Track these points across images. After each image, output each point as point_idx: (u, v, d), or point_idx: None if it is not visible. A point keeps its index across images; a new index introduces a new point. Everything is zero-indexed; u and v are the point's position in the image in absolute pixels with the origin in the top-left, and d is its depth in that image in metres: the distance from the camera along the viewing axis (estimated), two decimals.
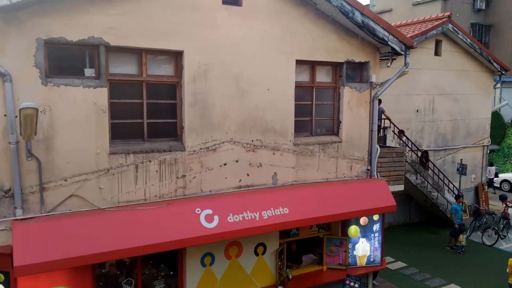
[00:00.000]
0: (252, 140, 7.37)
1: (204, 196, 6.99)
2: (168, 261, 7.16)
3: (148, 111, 6.61)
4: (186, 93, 6.71)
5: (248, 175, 7.42)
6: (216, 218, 6.63)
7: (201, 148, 6.92)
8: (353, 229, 8.81)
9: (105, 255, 5.80)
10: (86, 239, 5.67)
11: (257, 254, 7.82)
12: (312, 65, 8.08)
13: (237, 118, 7.17)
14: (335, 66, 8.35)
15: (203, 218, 6.57)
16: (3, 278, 5.80)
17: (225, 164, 7.16)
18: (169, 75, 6.76)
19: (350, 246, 8.82)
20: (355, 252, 8.89)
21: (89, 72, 6.05)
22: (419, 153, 14.39)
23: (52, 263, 5.40)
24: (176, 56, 6.70)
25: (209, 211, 6.65)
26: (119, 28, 6.02)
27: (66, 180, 5.94)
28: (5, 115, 5.50)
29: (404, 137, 13.71)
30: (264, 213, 7.03)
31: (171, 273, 7.19)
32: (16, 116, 5.47)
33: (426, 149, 14.95)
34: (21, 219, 5.66)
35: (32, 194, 5.76)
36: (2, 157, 5.56)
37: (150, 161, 6.55)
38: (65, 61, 5.98)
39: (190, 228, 6.41)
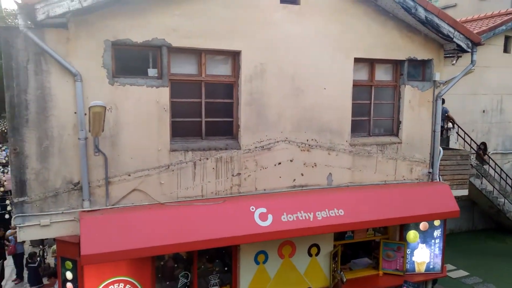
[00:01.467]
0: (307, 140, 7.31)
1: (258, 195, 7.04)
2: (222, 257, 7.31)
3: (206, 110, 6.77)
4: (242, 93, 6.78)
5: (302, 174, 7.37)
6: (270, 216, 6.65)
7: (256, 147, 6.97)
8: (412, 234, 8.45)
9: (164, 248, 6.02)
10: (147, 232, 5.92)
11: (310, 255, 7.74)
12: (371, 63, 7.84)
13: (292, 117, 7.14)
14: (396, 64, 8.05)
15: (257, 216, 6.61)
16: (71, 265, 6.22)
17: (279, 163, 7.16)
18: (226, 75, 6.87)
19: (408, 251, 8.48)
20: (413, 258, 8.52)
21: (152, 72, 6.31)
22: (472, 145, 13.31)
23: (116, 254, 5.69)
24: (234, 56, 6.80)
25: (263, 210, 6.68)
26: (180, 30, 6.21)
27: (129, 175, 6.24)
28: (75, 113, 5.87)
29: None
30: (318, 214, 6.94)
31: (225, 268, 7.33)
32: (85, 114, 5.82)
33: (483, 141, 13.94)
34: (88, 211, 6.02)
35: (98, 188, 6.12)
36: (72, 152, 5.94)
37: (207, 159, 6.70)
38: (130, 61, 6.28)
39: (244, 226, 6.48)
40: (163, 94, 6.31)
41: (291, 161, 7.21)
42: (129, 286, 6.27)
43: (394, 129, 8.23)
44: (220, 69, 6.88)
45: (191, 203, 6.52)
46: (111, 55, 5.96)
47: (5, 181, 14.96)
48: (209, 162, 6.73)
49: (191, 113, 6.78)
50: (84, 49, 5.80)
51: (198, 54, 6.59)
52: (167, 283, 7.00)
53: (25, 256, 11.28)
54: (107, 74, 5.94)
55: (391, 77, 8.15)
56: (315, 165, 7.41)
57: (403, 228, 8.46)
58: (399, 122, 8.15)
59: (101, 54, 5.87)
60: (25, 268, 10.56)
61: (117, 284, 6.18)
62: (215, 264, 7.33)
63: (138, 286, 6.33)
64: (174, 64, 6.50)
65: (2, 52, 5.56)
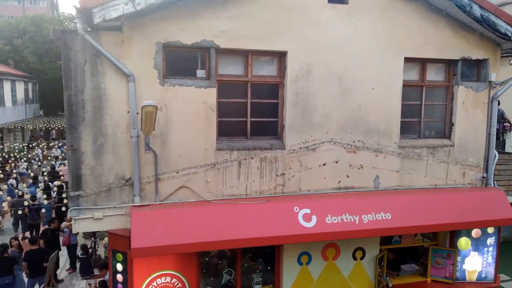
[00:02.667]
0: (354, 141, 7.19)
1: (302, 195, 7.02)
2: (266, 256, 7.35)
3: (251, 110, 6.83)
4: (288, 93, 6.79)
5: (348, 176, 7.26)
6: (314, 218, 6.61)
7: (300, 147, 6.95)
8: (464, 241, 8.08)
9: (209, 245, 6.16)
10: (193, 228, 6.07)
11: (355, 259, 7.61)
12: (422, 63, 7.58)
13: (338, 118, 7.05)
14: (449, 64, 7.73)
15: (301, 217, 6.59)
16: (121, 257, 6.50)
17: (324, 164, 7.09)
18: (272, 75, 6.90)
19: (459, 259, 8.12)
20: (464, 266, 8.15)
21: (200, 73, 6.47)
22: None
23: (163, 248, 5.89)
24: (280, 57, 6.82)
25: (307, 211, 6.65)
26: (228, 31, 6.32)
27: (177, 172, 6.43)
28: (128, 112, 6.13)
29: None
30: (364, 217, 6.81)
31: (268, 268, 7.36)
32: (137, 113, 6.06)
33: None
34: (138, 206, 6.27)
35: (148, 184, 6.35)
36: (125, 149, 6.21)
37: (252, 158, 6.77)
38: (180, 63, 6.47)
39: (288, 226, 6.48)
40: (211, 95, 6.45)
41: (336, 162, 7.12)
42: (175, 280, 6.46)
43: (446, 131, 7.90)
44: (266, 70, 6.92)
45: (235, 201, 6.61)
46: (162, 57, 6.17)
47: (62, 174, 15.90)
48: (253, 162, 6.79)
49: (237, 113, 6.87)
50: (137, 51, 6.04)
51: (244, 55, 6.67)
52: (211, 279, 7.14)
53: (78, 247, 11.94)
54: (158, 75, 6.15)
55: (443, 77, 7.83)
56: (362, 167, 7.27)
57: (454, 234, 8.10)
58: (451, 124, 7.82)
59: (152, 55, 6.09)
60: (77, 259, 11.15)
61: (164, 277, 6.39)
62: (258, 263, 7.39)
63: (184, 280, 6.51)
64: (222, 65, 6.62)
65: (62, 54, 5.92)
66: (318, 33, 6.74)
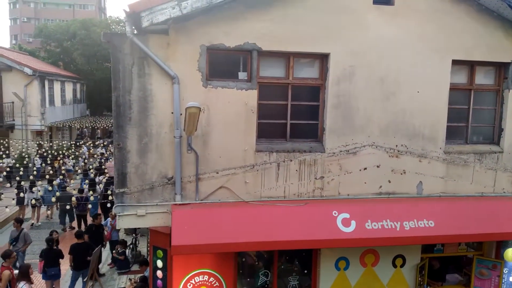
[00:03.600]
0: (396, 145, 7.02)
1: (341, 199, 6.93)
2: (302, 259, 7.32)
3: (291, 112, 6.84)
4: (329, 95, 6.74)
5: (389, 181, 7.09)
6: (353, 223, 6.51)
7: (341, 151, 6.87)
8: (511, 252, 7.67)
9: (247, 245, 6.21)
10: (231, 228, 6.15)
11: (395, 266, 7.42)
12: (470, 66, 7.29)
13: (380, 122, 6.92)
14: (499, 67, 7.39)
15: (340, 221, 6.51)
16: (162, 254, 6.69)
17: (365, 168, 6.97)
18: (313, 78, 6.88)
19: (505, 271, 7.72)
20: (511, 279, 7.74)
21: (242, 75, 6.55)
22: None
23: (202, 247, 6.00)
24: (322, 59, 6.78)
25: (346, 215, 6.56)
26: (271, 34, 6.36)
27: (217, 173, 6.54)
28: (172, 113, 6.30)
29: None
30: (405, 224, 6.63)
31: (305, 271, 7.32)
32: (181, 114, 6.22)
33: None
34: (179, 204, 6.43)
35: (189, 183, 6.50)
36: (168, 149, 6.39)
37: (291, 160, 6.77)
38: (222, 65, 6.58)
39: (326, 230, 6.43)
40: (252, 96, 6.51)
41: (378, 167, 6.98)
42: (213, 279, 6.56)
43: (494, 137, 7.56)
44: (307, 72, 6.91)
45: (274, 203, 6.63)
46: (206, 59, 6.30)
47: (105, 168, 16.60)
48: (292, 164, 6.79)
49: (277, 115, 6.90)
50: (182, 53, 6.21)
51: (286, 57, 6.69)
52: (248, 279, 7.20)
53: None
54: (201, 77, 6.29)
55: (493, 80, 7.50)
56: (404, 172, 7.09)
57: (501, 245, 7.72)
58: (500, 130, 7.46)
59: (196, 58, 6.24)
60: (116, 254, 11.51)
61: (202, 275, 6.51)
62: (294, 266, 7.37)
63: (221, 279, 6.60)
64: (263, 67, 6.67)
65: (111, 56, 6.18)
66: (362, 35, 6.65)
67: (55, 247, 9.76)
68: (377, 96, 6.84)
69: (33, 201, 14.18)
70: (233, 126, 6.51)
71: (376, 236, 6.48)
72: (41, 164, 17.77)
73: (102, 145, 23.57)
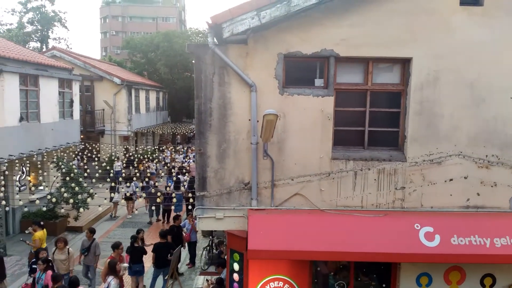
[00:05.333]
0: (486, 156, 6.48)
1: (424, 212, 6.56)
2: (381, 273, 7.02)
3: (370, 119, 6.65)
4: (411, 102, 6.44)
5: (478, 194, 6.57)
6: (437, 237, 6.12)
7: (424, 160, 6.52)
8: None
9: (322, 254, 6.12)
10: (306, 236, 6.11)
11: (483, 286, 6.82)
12: None
13: (469, 130, 6.44)
14: None
15: (423, 235, 6.16)
16: (238, 257, 6.85)
17: (451, 179, 6.53)
18: (394, 83, 6.63)
19: None
20: None
21: (318, 82, 6.52)
22: None
23: (278, 253, 6.04)
24: (404, 64, 6.51)
25: (430, 229, 6.19)
26: (349, 39, 6.26)
27: (292, 180, 6.55)
28: (249, 120, 6.46)
29: None
30: (496, 241, 6.09)
31: (383, 285, 7.01)
32: (257, 121, 6.35)
33: None
34: (255, 209, 6.55)
35: (265, 189, 6.60)
36: (245, 155, 6.56)
37: (369, 169, 6.57)
38: (298, 72, 6.61)
39: (407, 243, 6.11)
40: (328, 103, 6.45)
41: (465, 178, 6.50)
42: (288, 286, 6.57)
43: None
44: (386, 77, 6.68)
45: (350, 212, 6.48)
46: (282, 67, 6.38)
47: (190, 170, 17.73)
48: (370, 173, 6.58)
49: (354, 122, 6.75)
50: (260, 62, 6.35)
51: (365, 62, 6.53)
52: None
53: (198, 244, 12.90)
54: (278, 84, 6.38)
55: None
56: (495, 185, 6.52)
57: None
58: None
59: (274, 66, 6.34)
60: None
61: (277, 281, 6.54)
62: (372, 279, 7.10)
63: (296, 287, 6.57)
64: (340, 74, 6.58)
65: (194, 66, 6.51)
66: (448, 38, 6.28)
67: (138, 245, 10.44)
68: (464, 102, 6.40)
69: (126, 195, 15.53)
70: (308, 133, 6.49)
71: (462, 252, 6.04)
72: (120, 169, 19.33)
73: (181, 151, 24.90)
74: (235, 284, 6.89)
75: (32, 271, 9.48)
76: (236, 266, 6.82)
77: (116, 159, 21.09)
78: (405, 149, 6.58)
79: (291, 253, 6.00)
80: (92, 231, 10.93)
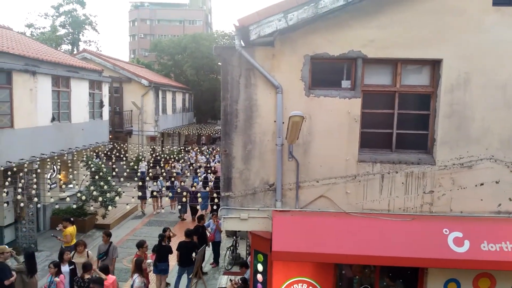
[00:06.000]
0: None
1: (453, 217, 6.41)
2: (407, 278, 6.89)
3: (398, 121, 6.54)
4: (441, 104, 6.30)
5: (510, 199, 6.37)
6: (466, 243, 5.97)
7: (454, 164, 6.37)
8: None
9: (347, 258, 6.07)
10: (331, 238, 6.07)
11: None
12: None
13: (501, 133, 6.26)
14: None
15: (451, 240, 6.02)
16: (262, 258, 6.86)
17: (481, 184, 6.36)
18: (423, 85, 6.51)
19: None
20: None
21: (345, 83, 6.47)
22: None
23: (302, 255, 6.02)
24: (433, 65, 6.39)
25: (459, 234, 6.04)
26: (377, 40, 6.19)
27: (317, 182, 6.52)
28: (274, 121, 6.47)
29: None
30: None
31: None
32: (283, 123, 6.36)
33: None
34: (280, 211, 6.55)
35: (289, 191, 6.59)
36: (270, 156, 6.57)
37: (396, 172, 6.46)
38: (325, 74, 6.57)
39: (435, 248, 5.99)
40: (355, 105, 6.39)
41: (497, 182, 6.31)
42: None
43: None
44: (416, 79, 6.56)
45: (377, 216, 6.39)
46: (309, 69, 6.37)
47: (216, 170, 18.04)
48: (398, 176, 6.48)
49: (381, 124, 6.66)
50: (286, 64, 6.36)
51: (393, 64, 6.44)
52: None
53: (221, 244, 13.00)
54: (304, 86, 6.37)
55: None
56: None
57: None
58: None
59: (300, 68, 6.34)
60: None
61: (301, 284, 6.51)
62: (398, 284, 6.98)
63: None
64: (367, 75, 6.51)
65: (221, 68, 6.57)
66: (479, 39, 6.12)
67: (164, 243, 10.61)
68: (497, 105, 6.21)
69: (154, 193, 15.89)
70: (335, 135, 6.45)
71: (493, 259, 5.87)
72: (145, 169, 19.76)
73: (206, 151, 25.20)
74: (259, 285, 6.91)
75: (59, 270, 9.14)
76: (260, 267, 6.84)
77: (141, 159, 21.52)
78: (434, 152, 6.44)
79: (315, 255, 5.98)
80: (109, 234, 10.52)
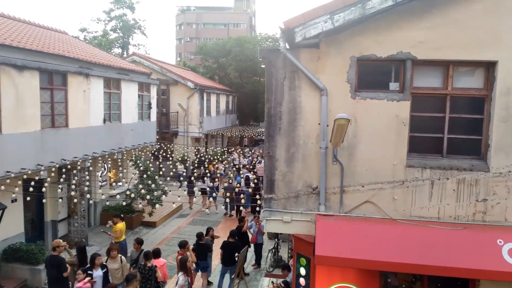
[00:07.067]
0: None
1: (508, 227, 6.05)
2: None
3: (449, 125, 6.27)
4: (496, 108, 5.98)
5: None
6: None
7: (509, 171, 6.01)
8: None
9: (393, 266, 5.87)
10: (377, 245, 5.91)
11: None
12: None
13: None
14: None
15: (506, 251, 5.68)
16: (305, 262, 6.80)
17: None
18: (477, 88, 6.20)
19: None
20: None
21: (393, 86, 6.29)
22: None
23: (346, 260, 5.89)
24: (488, 67, 6.07)
25: None
26: (427, 42, 5.97)
27: (363, 186, 6.38)
28: (319, 124, 6.41)
29: None
30: None
31: None
32: (327, 125, 6.28)
33: None
34: (323, 215, 6.46)
35: (333, 195, 6.49)
36: (313, 159, 6.51)
37: (447, 179, 6.19)
38: (372, 76, 6.42)
39: (488, 260, 5.66)
40: (403, 108, 6.19)
41: None
42: None
43: None
44: (468, 82, 6.26)
45: (425, 224, 6.15)
46: (355, 70, 6.25)
47: (257, 170, 18.26)
48: (449, 183, 6.20)
49: (431, 129, 6.41)
50: (331, 65, 6.28)
51: (445, 66, 6.19)
52: None
53: (263, 246, 13.03)
54: (350, 88, 6.26)
55: None
56: None
57: None
58: None
59: (346, 69, 6.23)
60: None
61: None
62: None
63: None
64: (417, 77, 6.29)
65: (266, 71, 6.60)
66: None
67: (202, 242, 10.80)
68: None
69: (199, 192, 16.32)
70: (381, 139, 6.28)
71: None
72: (182, 172, 20.26)
73: (249, 152, 25.44)
74: None
75: (87, 276, 8.63)
76: (302, 271, 6.78)
77: (178, 162, 21.93)
78: (488, 159, 6.12)
79: (360, 261, 5.83)
80: (140, 242, 10.34)
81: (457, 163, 6.20)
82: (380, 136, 6.28)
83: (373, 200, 6.39)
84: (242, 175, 19.63)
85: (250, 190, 16.44)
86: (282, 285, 9.08)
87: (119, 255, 9.68)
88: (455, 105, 6.25)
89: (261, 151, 24.31)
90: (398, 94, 6.21)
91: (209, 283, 11.30)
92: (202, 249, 10.66)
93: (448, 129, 6.27)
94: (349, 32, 6.17)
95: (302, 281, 6.79)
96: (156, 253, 9.42)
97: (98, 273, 8.80)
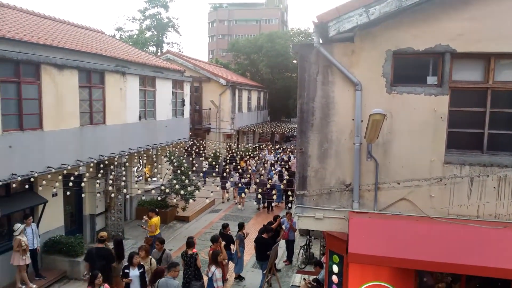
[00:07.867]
0: None
1: None
2: None
3: (490, 120, 6.01)
4: None
5: None
6: None
7: None
8: None
9: (431, 265, 5.69)
10: (413, 243, 5.76)
11: None
12: None
13: None
14: None
15: None
16: (338, 259, 6.73)
17: None
18: None
19: None
20: None
21: (431, 80, 6.10)
22: None
23: (380, 258, 5.77)
24: None
25: None
26: (467, 34, 5.75)
27: (399, 183, 6.23)
28: (352, 119, 6.30)
29: None
30: None
31: None
32: (361, 121, 6.17)
33: None
34: (357, 212, 6.37)
35: (367, 192, 6.38)
36: (346, 155, 6.42)
37: (487, 176, 5.95)
38: (409, 70, 6.25)
39: None
40: (442, 103, 5.99)
41: None
42: None
43: None
44: (510, 75, 5.97)
45: (464, 222, 5.94)
46: (391, 65, 6.10)
47: (290, 165, 18.27)
48: (489, 180, 5.96)
49: (471, 124, 6.18)
50: (366, 60, 6.15)
51: (485, 59, 5.93)
52: None
53: (295, 242, 13.00)
54: (385, 83, 6.11)
55: None
56: None
57: None
58: None
59: (381, 64, 6.09)
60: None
61: None
62: None
63: None
64: (455, 71, 6.07)
65: (298, 66, 6.55)
66: None
67: (226, 233, 11.15)
68: None
69: (231, 188, 16.54)
70: (418, 135, 6.11)
71: None
72: (206, 169, 20.42)
73: (280, 149, 25.40)
74: (334, 286, 6.79)
75: (124, 275, 8.65)
76: (335, 268, 6.72)
77: (203, 159, 22.01)
78: None
79: (395, 260, 5.70)
80: (162, 242, 10.11)
81: (498, 160, 5.95)
82: (416, 132, 6.11)
83: (409, 198, 6.23)
84: (274, 170, 19.70)
85: (282, 186, 16.47)
86: (314, 283, 9.03)
87: (150, 256, 9.42)
88: (496, 99, 5.99)
89: (292, 147, 24.22)
90: (436, 88, 6.01)
91: (241, 277, 11.41)
92: (225, 239, 10.85)
93: (488, 124, 6.02)
94: (385, 25, 6.02)
95: (334, 278, 6.72)
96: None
97: (135, 272, 8.66)
